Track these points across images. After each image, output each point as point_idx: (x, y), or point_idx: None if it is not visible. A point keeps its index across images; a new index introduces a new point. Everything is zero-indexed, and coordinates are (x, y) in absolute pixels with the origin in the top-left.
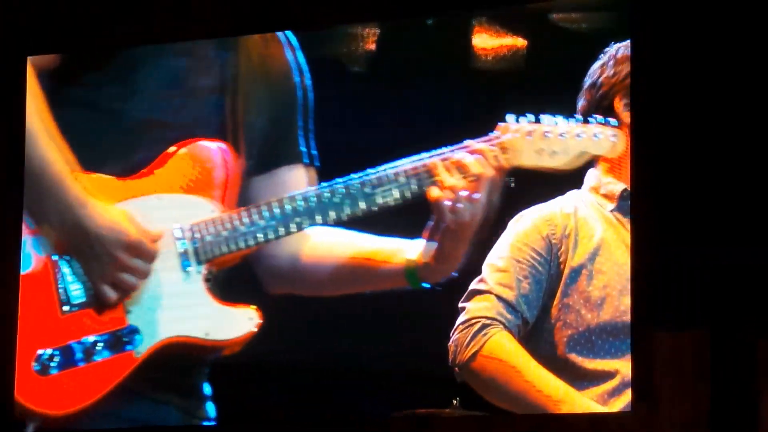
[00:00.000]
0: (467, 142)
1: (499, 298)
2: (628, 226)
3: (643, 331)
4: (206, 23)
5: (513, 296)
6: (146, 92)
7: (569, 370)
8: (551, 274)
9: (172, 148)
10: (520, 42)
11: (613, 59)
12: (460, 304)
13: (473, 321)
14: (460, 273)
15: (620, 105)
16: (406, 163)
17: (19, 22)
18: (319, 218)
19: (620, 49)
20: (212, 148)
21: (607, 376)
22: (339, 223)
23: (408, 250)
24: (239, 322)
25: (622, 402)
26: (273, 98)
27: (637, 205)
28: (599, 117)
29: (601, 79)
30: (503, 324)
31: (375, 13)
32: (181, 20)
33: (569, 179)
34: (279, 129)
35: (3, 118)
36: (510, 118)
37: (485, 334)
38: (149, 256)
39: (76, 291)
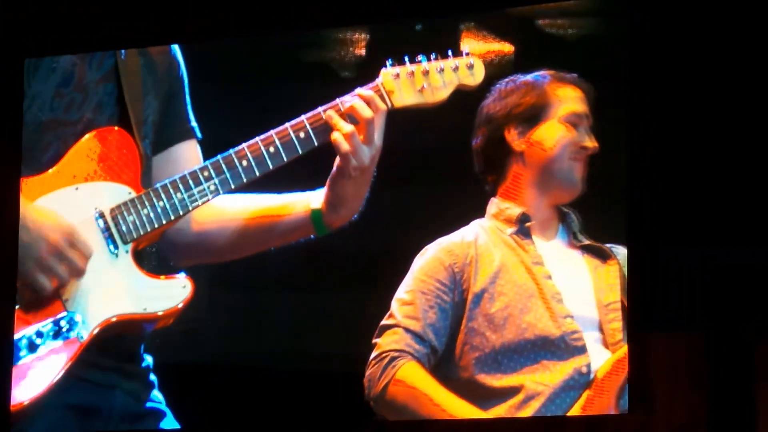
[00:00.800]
0: (356, 90)
1: (407, 330)
2: (528, 248)
3: (639, 332)
4: (204, 24)
5: (420, 327)
6: (42, 95)
7: (479, 390)
8: (456, 301)
9: (85, 137)
10: (507, 47)
11: (502, 93)
12: (373, 341)
13: (383, 355)
14: (361, 215)
15: (513, 134)
16: (303, 118)
17: (19, 22)
18: (232, 184)
19: (509, 83)
20: (113, 134)
21: (514, 391)
22: (247, 187)
23: (312, 200)
24: (174, 291)
25: (526, 414)
26: (159, 77)
27: (634, 205)
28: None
29: (492, 114)
30: (411, 354)
31: (364, 18)
32: (179, 21)
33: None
34: (170, 107)
35: (3, 119)
36: (389, 63)
37: (394, 366)
38: (84, 251)
39: None
